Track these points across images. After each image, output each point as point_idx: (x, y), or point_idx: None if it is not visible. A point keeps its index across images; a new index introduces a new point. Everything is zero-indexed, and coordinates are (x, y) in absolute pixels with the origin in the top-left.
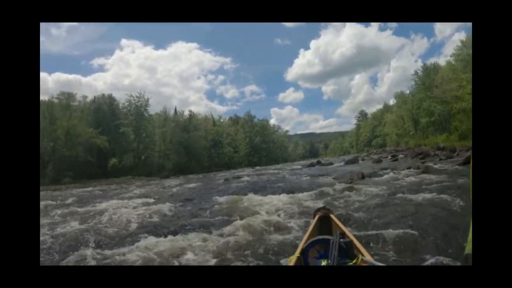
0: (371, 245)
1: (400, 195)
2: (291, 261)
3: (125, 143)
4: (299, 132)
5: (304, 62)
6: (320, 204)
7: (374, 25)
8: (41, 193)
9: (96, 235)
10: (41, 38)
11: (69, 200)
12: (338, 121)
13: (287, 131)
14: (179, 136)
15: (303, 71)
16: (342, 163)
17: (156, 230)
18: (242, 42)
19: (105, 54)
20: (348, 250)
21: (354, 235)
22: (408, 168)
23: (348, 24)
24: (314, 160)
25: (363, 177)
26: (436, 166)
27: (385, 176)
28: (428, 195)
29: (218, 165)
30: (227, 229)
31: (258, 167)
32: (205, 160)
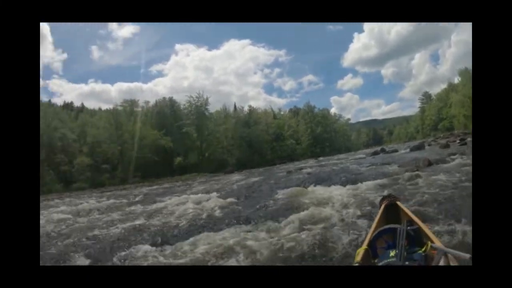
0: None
1: (463, 184)
2: (358, 253)
3: (188, 142)
4: (361, 120)
5: (360, 46)
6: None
7: None
8: (109, 193)
9: (159, 229)
10: (100, 53)
11: (136, 198)
12: (401, 105)
13: (349, 119)
14: (240, 132)
15: (359, 55)
16: (408, 150)
17: (216, 224)
18: (293, 33)
19: (161, 60)
20: (416, 237)
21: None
22: None
23: None
24: (378, 148)
25: (429, 164)
26: None
27: (453, 163)
28: None
29: (281, 157)
30: (288, 220)
31: (321, 158)
32: (268, 153)
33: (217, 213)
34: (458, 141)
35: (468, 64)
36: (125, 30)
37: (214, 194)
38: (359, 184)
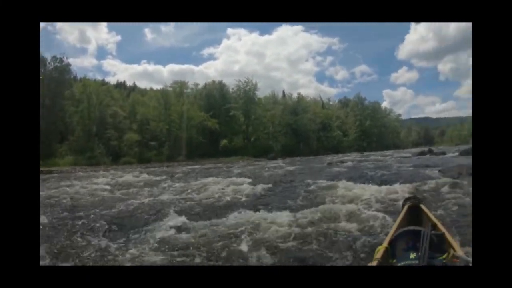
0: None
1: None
2: (378, 251)
3: (235, 125)
4: (413, 116)
5: (417, 38)
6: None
7: None
8: (154, 169)
9: (183, 206)
10: (152, 35)
11: (176, 176)
12: (457, 105)
13: (400, 115)
14: (288, 119)
15: (416, 48)
16: (457, 154)
17: (237, 207)
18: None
19: (213, 44)
20: (439, 243)
21: None
22: None
23: None
24: (426, 149)
25: None
26: None
27: None
28: None
29: (327, 148)
30: (304, 213)
31: (366, 153)
32: (314, 143)
33: (244, 197)
34: None
35: None
36: None
37: (247, 179)
38: (393, 185)
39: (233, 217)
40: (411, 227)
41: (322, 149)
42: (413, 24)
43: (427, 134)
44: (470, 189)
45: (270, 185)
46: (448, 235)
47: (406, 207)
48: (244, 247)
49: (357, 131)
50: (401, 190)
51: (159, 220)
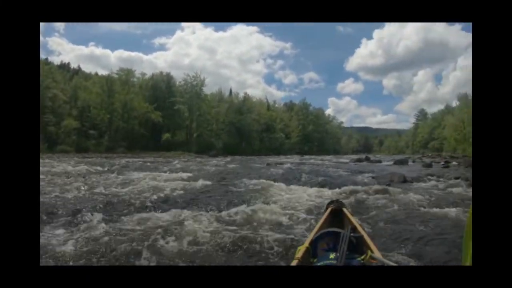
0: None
1: (426, 209)
2: (299, 251)
3: (179, 119)
4: (355, 125)
5: (366, 53)
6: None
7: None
8: (92, 159)
9: (109, 201)
10: None
11: (113, 167)
12: (397, 118)
13: (342, 122)
14: (232, 117)
15: (364, 62)
16: (391, 163)
17: (165, 204)
18: (303, 28)
19: (166, 34)
20: (357, 245)
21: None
22: (456, 178)
23: None
24: (363, 156)
25: (404, 180)
26: None
27: (428, 183)
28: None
29: (269, 149)
30: (229, 212)
31: (306, 156)
32: (256, 143)
33: (176, 192)
34: (442, 162)
35: (469, 90)
36: None
37: (184, 174)
38: (324, 189)
39: (150, 216)
40: (332, 229)
41: (264, 150)
42: (365, 39)
43: (367, 142)
44: (400, 196)
45: (208, 182)
46: (367, 238)
47: (329, 209)
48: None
49: (299, 135)
50: (331, 193)
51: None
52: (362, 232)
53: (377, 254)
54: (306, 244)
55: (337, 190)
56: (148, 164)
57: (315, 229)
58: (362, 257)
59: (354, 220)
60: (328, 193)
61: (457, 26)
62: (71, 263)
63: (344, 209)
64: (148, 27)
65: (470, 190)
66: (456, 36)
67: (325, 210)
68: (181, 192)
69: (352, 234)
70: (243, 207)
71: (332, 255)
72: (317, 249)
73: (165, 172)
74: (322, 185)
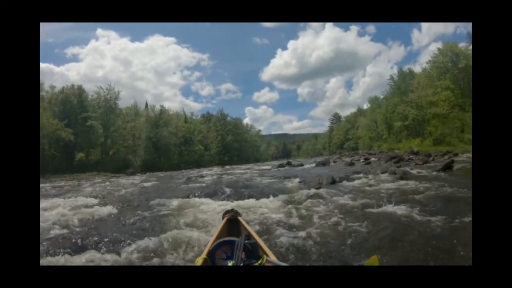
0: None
1: (371, 209)
2: (197, 262)
3: (92, 137)
4: (273, 133)
5: (281, 63)
6: (279, 216)
7: (353, 30)
8: None
9: None
10: None
11: None
12: (312, 123)
13: (260, 130)
14: (149, 132)
15: (279, 71)
16: (313, 165)
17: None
18: (221, 39)
19: (80, 44)
20: (253, 250)
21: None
22: (383, 172)
23: (327, 27)
24: (284, 161)
25: (333, 181)
26: (413, 172)
27: (358, 181)
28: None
29: (188, 162)
30: (138, 244)
31: (227, 166)
32: (175, 157)
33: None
34: (362, 159)
35: (378, 93)
36: None
37: (92, 200)
38: (249, 200)
39: None
40: (227, 238)
41: (184, 163)
42: (280, 50)
43: (285, 148)
44: (334, 198)
45: (114, 211)
46: (261, 242)
47: (225, 219)
48: None
49: (218, 146)
50: (267, 205)
51: None
52: (257, 238)
53: (272, 257)
54: (204, 255)
55: (266, 200)
56: (58, 189)
57: (212, 240)
58: (259, 261)
59: (249, 227)
60: (255, 205)
61: (367, 37)
62: None
63: (240, 218)
64: (61, 36)
65: (403, 182)
66: (365, 46)
67: (222, 220)
68: (77, 226)
69: (246, 241)
70: (146, 241)
71: (230, 263)
72: (215, 259)
73: (69, 198)
74: (250, 195)
